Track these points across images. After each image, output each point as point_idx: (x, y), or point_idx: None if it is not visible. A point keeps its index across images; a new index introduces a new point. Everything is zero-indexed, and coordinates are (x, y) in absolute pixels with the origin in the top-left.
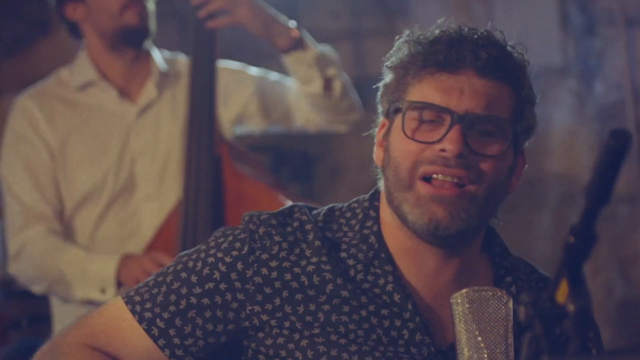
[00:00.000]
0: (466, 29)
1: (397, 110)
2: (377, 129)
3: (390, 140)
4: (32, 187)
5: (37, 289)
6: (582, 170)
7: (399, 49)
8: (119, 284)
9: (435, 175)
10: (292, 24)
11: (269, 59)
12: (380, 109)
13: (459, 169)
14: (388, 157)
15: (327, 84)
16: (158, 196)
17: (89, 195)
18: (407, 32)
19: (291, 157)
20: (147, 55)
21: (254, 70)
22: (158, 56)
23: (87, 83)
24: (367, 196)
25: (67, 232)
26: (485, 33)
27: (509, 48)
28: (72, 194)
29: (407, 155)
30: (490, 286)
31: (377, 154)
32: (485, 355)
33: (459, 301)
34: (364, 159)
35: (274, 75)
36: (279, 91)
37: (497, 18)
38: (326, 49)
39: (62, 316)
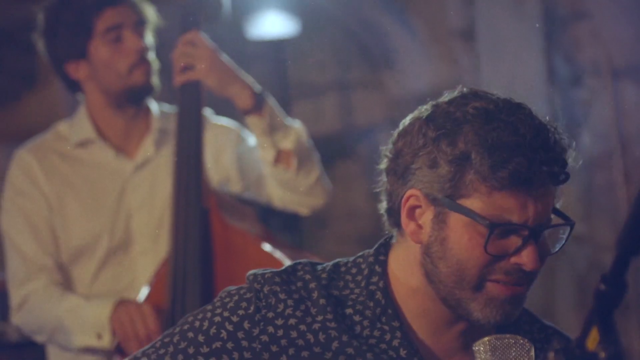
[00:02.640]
0: (540, 131)
1: (465, 214)
2: (395, 188)
3: (448, 235)
4: (32, 239)
5: (40, 338)
6: None
7: (458, 133)
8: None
9: (505, 282)
10: (257, 88)
11: None
12: (404, 172)
13: (530, 277)
14: (443, 250)
15: (281, 156)
16: (154, 251)
17: (84, 250)
18: (468, 103)
19: None
20: (147, 111)
21: (246, 132)
22: (157, 112)
23: (85, 140)
24: (371, 251)
25: (67, 284)
26: (558, 136)
27: (569, 150)
28: (68, 247)
29: (479, 262)
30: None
31: (412, 229)
32: None
33: (482, 349)
34: (350, 209)
35: None
36: (256, 156)
37: (483, 70)
38: (291, 122)
39: None
